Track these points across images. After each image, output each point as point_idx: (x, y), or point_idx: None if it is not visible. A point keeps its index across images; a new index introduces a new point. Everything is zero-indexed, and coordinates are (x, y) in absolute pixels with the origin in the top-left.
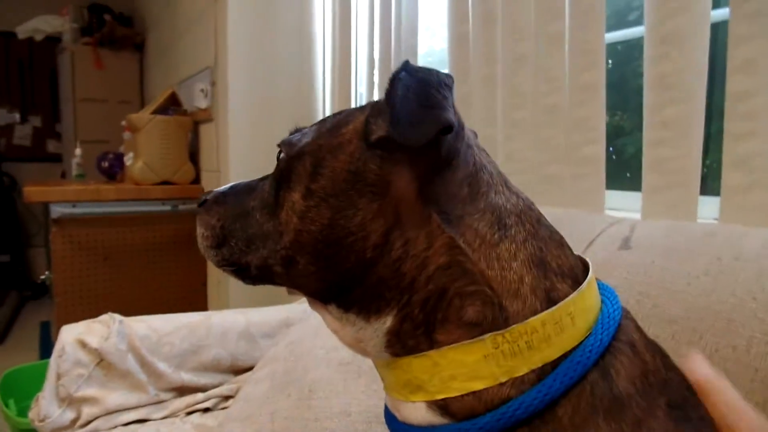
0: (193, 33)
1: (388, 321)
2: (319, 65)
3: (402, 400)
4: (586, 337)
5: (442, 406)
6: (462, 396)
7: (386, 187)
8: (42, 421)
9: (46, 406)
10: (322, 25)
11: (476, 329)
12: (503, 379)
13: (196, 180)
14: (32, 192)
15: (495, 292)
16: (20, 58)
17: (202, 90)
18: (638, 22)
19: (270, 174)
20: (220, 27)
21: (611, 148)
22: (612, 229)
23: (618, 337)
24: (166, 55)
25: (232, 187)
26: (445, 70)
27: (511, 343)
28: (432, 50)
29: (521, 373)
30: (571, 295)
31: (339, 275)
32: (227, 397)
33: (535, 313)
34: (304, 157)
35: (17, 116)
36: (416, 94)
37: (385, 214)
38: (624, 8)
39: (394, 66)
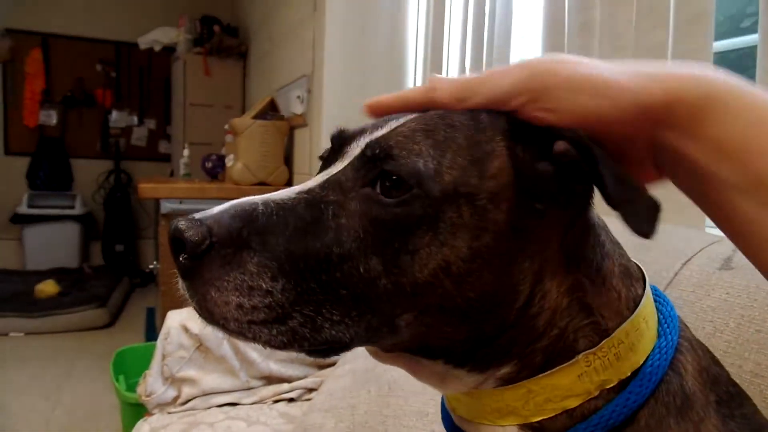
0: (292, 42)
1: (503, 370)
2: (411, 73)
3: (488, 424)
4: (658, 338)
5: (535, 427)
6: (556, 415)
7: (544, 244)
8: (148, 396)
9: (152, 383)
10: (415, 34)
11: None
12: (596, 394)
13: (289, 182)
14: (145, 189)
15: (605, 318)
16: (140, 67)
17: (298, 97)
18: (752, 29)
19: (317, 192)
20: (318, 37)
21: None
22: (713, 247)
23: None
24: (266, 63)
25: (248, 216)
26: None
27: (602, 358)
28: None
29: (612, 385)
30: (643, 299)
31: (472, 339)
32: (311, 390)
33: (623, 322)
34: (458, 202)
35: (135, 119)
36: (627, 180)
37: (534, 271)
38: (737, 14)
39: None
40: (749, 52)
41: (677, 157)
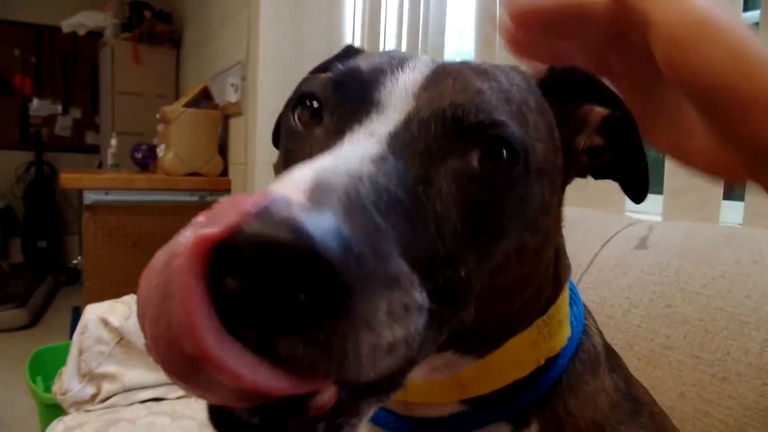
0: (227, 29)
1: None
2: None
3: (433, 403)
4: (570, 306)
5: (475, 400)
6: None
7: (559, 205)
8: (63, 394)
9: (68, 380)
10: (351, 23)
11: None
12: (543, 362)
13: (224, 172)
14: (68, 179)
15: (561, 282)
16: (64, 52)
17: (232, 84)
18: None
19: (393, 162)
20: (253, 23)
21: None
22: (630, 229)
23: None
24: (201, 50)
25: (361, 206)
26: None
27: (549, 325)
28: (460, 50)
29: (556, 353)
30: (569, 269)
31: (501, 319)
32: None
33: (560, 289)
34: (543, 180)
35: (59, 108)
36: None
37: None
38: None
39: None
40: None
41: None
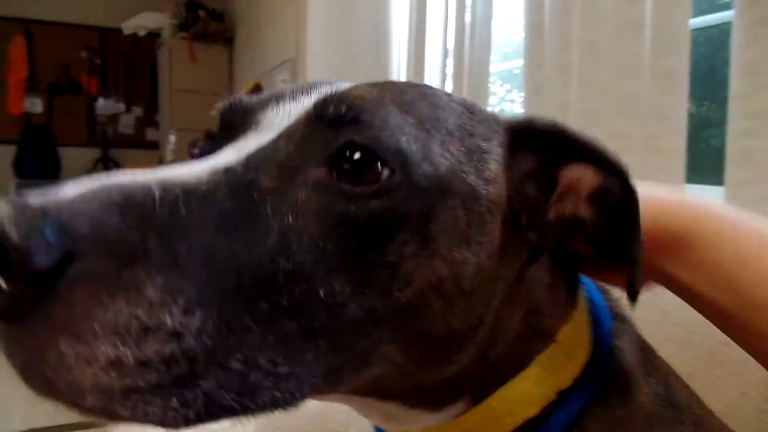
0: (276, 27)
1: (459, 407)
2: (395, 56)
3: None
4: (595, 327)
5: None
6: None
7: (513, 269)
8: None
9: None
10: (398, 18)
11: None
12: (554, 397)
13: None
14: None
15: (555, 333)
16: (126, 53)
17: (283, 81)
18: (730, 5)
19: (241, 173)
20: (301, 21)
21: (699, 142)
22: None
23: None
24: (252, 48)
25: (138, 207)
26: (521, 61)
27: (554, 359)
28: (509, 41)
29: (568, 385)
30: (578, 291)
31: (439, 379)
32: None
33: (563, 321)
34: (452, 203)
35: (122, 106)
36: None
37: (503, 298)
38: None
39: (468, 57)
40: (726, 29)
41: (669, 278)
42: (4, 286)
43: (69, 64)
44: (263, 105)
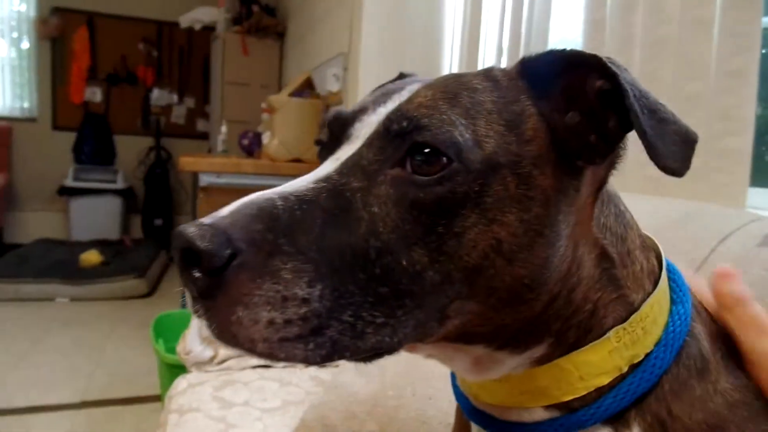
0: (330, 21)
1: (539, 350)
2: (447, 51)
3: (513, 407)
4: (674, 304)
5: (563, 406)
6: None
7: (579, 207)
8: (187, 354)
9: (191, 342)
10: (452, 12)
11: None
12: (625, 369)
13: None
14: (186, 162)
15: (630, 290)
16: (181, 46)
17: (334, 75)
18: None
19: (337, 179)
20: (356, 15)
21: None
22: (752, 225)
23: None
24: (304, 42)
25: (268, 215)
26: None
27: (631, 333)
28: (564, 39)
29: (640, 359)
30: (663, 272)
31: (518, 320)
32: None
33: (647, 296)
34: (502, 173)
35: (175, 97)
36: (656, 110)
37: (572, 237)
38: None
39: (523, 54)
40: None
41: None
42: (196, 276)
43: (127, 56)
44: (354, 117)
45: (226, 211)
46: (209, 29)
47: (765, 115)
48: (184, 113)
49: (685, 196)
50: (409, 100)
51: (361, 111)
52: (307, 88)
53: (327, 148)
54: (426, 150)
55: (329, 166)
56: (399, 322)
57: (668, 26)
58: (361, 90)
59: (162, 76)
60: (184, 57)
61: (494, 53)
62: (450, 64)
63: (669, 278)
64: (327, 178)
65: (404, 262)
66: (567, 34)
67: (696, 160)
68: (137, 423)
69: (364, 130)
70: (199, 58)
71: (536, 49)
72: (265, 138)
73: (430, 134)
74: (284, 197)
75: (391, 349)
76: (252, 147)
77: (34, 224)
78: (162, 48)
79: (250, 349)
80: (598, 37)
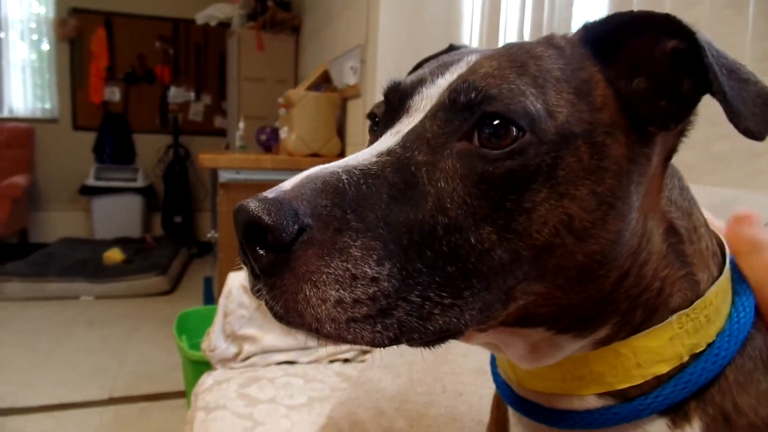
0: (346, 13)
1: (603, 332)
2: (466, 43)
3: (563, 394)
4: (737, 295)
5: (617, 394)
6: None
7: (650, 177)
8: (212, 351)
9: (215, 339)
10: (471, 1)
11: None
12: (686, 358)
13: (342, 153)
14: (205, 159)
15: (696, 267)
16: (197, 43)
17: (351, 68)
18: None
19: (401, 153)
20: (373, 7)
21: None
22: None
23: None
24: (319, 35)
25: (335, 189)
26: None
27: (694, 320)
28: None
29: (701, 349)
30: (727, 258)
31: (587, 299)
32: (365, 352)
33: (712, 280)
34: (576, 143)
35: (192, 95)
36: (736, 70)
37: (642, 209)
38: None
39: None
40: None
41: None
42: (261, 253)
43: (144, 54)
44: (412, 89)
45: (289, 184)
46: (225, 25)
47: None
48: (201, 110)
49: (720, 184)
50: (473, 71)
51: (419, 82)
52: (324, 81)
53: (383, 121)
54: (496, 122)
55: (390, 139)
56: (466, 303)
57: (701, 7)
58: (379, 81)
59: (179, 73)
60: (200, 54)
61: (515, 39)
62: None
63: (731, 269)
64: (390, 152)
65: (472, 240)
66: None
67: (729, 145)
68: (164, 419)
69: (423, 102)
70: (215, 55)
71: (560, 23)
72: (283, 133)
73: (502, 105)
74: (348, 171)
75: (457, 332)
76: (270, 142)
77: (58, 224)
78: (178, 46)
79: (317, 329)
80: None
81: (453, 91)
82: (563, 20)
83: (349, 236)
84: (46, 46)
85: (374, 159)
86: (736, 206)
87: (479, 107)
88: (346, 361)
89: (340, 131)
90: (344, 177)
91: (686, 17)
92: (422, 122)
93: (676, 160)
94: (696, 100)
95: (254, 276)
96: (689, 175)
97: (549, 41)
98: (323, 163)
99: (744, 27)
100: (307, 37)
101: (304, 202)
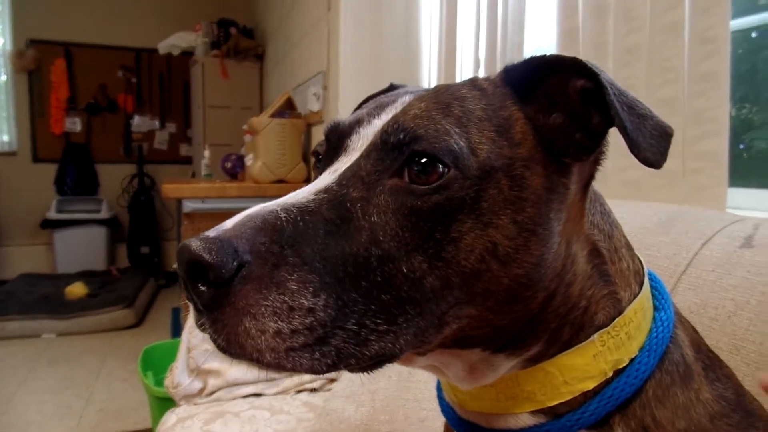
0: (308, 41)
1: (534, 349)
2: (425, 67)
3: (499, 413)
4: (656, 311)
5: (548, 411)
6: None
7: (569, 203)
8: (175, 387)
9: (179, 375)
10: (428, 27)
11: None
12: (611, 374)
13: (308, 179)
14: (168, 189)
15: (618, 286)
16: (160, 71)
17: (314, 94)
18: None
19: (337, 190)
20: (333, 34)
21: (742, 145)
22: (734, 227)
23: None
24: (283, 62)
25: (272, 226)
26: None
27: (615, 337)
28: (539, 47)
29: (624, 364)
30: (646, 274)
31: (515, 320)
32: (332, 380)
33: (633, 298)
34: (496, 176)
35: (157, 123)
36: (634, 107)
37: (565, 233)
38: None
39: (500, 66)
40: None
41: None
42: (202, 289)
43: (106, 84)
44: (350, 129)
45: (230, 223)
46: (188, 54)
47: (739, 115)
48: (166, 139)
49: (666, 200)
50: (404, 112)
51: (357, 123)
52: (287, 108)
53: (324, 159)
54: (423, 160)
55: (328, 177)
56: (401, 328)
57: (640, 33)
58: (342, 107)
59: (143, 102)
60: (163, 82)
61: (471, 65)
62: (429, 77)
63: (651, 285)
64: (327, 189)
65: (404, 269)
66: (541, 43)
67: (674, 163)
68: None
69: (360, 141)
70: (179, 83)
71: (512, 59)
72: (248, 160)
73: (428, 143)
74: (286, 209)
75: (393, 356)
76: (235, 169)
77: (18, 259)
78: (141, 74)
79: (258, 359)
80: (572, 45)
81: (384, 132)
82: (515, 45)
83: (286, 270)
84: (2, 78)
85: (312, 197)
86: (682, 221)
87: (408, 146)
88: (313, 390)
89: (305, 157)
90: (282, 215)
91: (627, 42)
92: (358, 161)
93: (624, 178)
94: (604, 133)
95: (197, 311)
96: (637, 193)
97: (473, 83)
98: (290, 189)
99: (681, 51)
100: (270, 64)
101: (244, 239)
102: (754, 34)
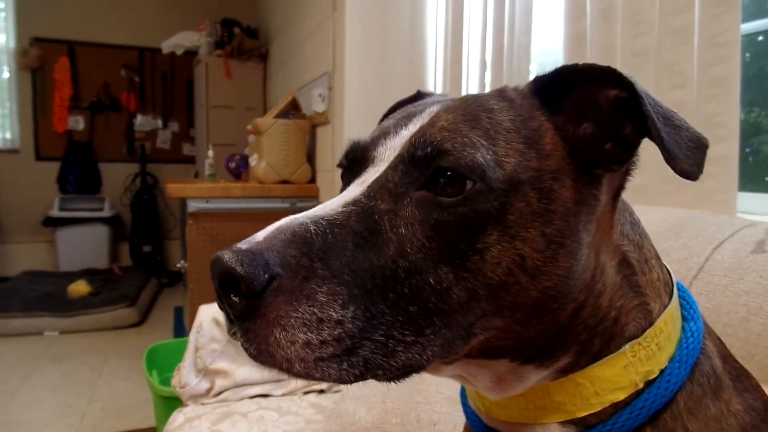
0: (313, 41)
1: (564, 361)
2: (431, 68)
3: (527, 422)
4: (686, 322)
5: (578, 422)
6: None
7: (599, 215)
8: (182, 387)
9: (186, 374)
10: (434, 28)
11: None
12: (641, 385)
13: (312, 179)
14: (172, 188)
15: (648, 297)
16: (163, 71)
17: (319, 95)
18: None
19: (365, 202)
20: (338, 34)
21: (749, 148)
22: (745, 231)
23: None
24: (288, 63)
25: (303, 239)
26: None
27: (646, 348)
28: (545, 51)
29: (655, 375)
30: (675, 286)
31: (546, 331)
32: None
33: (663, 308)
34: (523, 189)
35: (160, 122)
36: (670, 118)
37: (594, 244)
38: None
39: (506, 68)
40: None
41: None
42: (235, 300)
43: (109, 83)
44: (375, 142)
45: (261, 236)
46: (192, 53)
47: (746, 119)
48: (169, 138)
49: (675, 205)
50: (432, 124)
51: (384, 134)
52: (292, 108)
53: (350, 171)
54: (449, 173)
55: (356, 189)
56: (428, 339)
57: (648, 37)
58: (347, 107)
59: (145, 101)
60: (167, 82)
61: (477, 68)
62: (434, 79)
63: (679, 296)
64: (355, 202)
65: (431, 281)
66: (548, 46)
67: None
68: None
69: (388, 153)
70: (182, 83)
71: (519, 62)
72: (253, 160)
73: (453, 158)
74: (316, 222)
75: (420, 367)
76: (239, 169)
77: (21, 257)
78: (144, 73)
79: (288, 369)
80: (580, 49)
81: (412, 145)
82: (522, 47)
83: (315, 283)
84: (6, 75)
85: (341, 209)
86: (693, 226)
87: (434, 161)
88: (321, 392)
89: (310, 158)
90: (312, 228)
91: (635, 46)
92: (386, 173)
93: (632, 183)
94: (637, 143)
95: (230, 321)
96: (645, 198)
97: (501, 94)
98: (294, 190)
99: (690, 56)
100: (275, 64)
101: (275, 252)
102: (760, 38)
